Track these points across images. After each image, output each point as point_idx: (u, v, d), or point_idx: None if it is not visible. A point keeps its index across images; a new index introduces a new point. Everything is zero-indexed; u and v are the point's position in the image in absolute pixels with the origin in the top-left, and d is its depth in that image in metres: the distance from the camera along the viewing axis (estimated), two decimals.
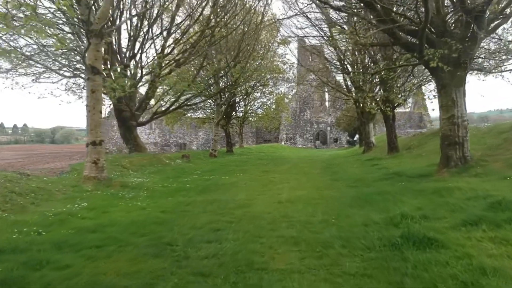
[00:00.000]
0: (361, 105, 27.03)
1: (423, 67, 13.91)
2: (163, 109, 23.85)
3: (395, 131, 18.74)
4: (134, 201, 9.04)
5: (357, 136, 47.49)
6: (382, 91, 17.33)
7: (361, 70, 17.68)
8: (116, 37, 19.60)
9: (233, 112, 36.65)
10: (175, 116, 36.02)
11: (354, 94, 26.24)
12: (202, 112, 37.86)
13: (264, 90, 37.13)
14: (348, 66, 25.33)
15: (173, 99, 21.66)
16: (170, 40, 20.78)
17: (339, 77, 31.89)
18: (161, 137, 70.28)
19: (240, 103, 38.22)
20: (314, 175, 14.52)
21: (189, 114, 37.96)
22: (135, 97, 21.77)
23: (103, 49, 12.78)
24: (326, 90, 46.19)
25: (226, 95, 29.33)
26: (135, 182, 11.81)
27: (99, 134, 11.24)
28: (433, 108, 49.36)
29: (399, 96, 17.11)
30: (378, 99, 19.45)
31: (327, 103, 63.29)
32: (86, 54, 11.27)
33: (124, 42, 20.80)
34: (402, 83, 17.64)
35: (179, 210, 7.90)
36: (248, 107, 40.03)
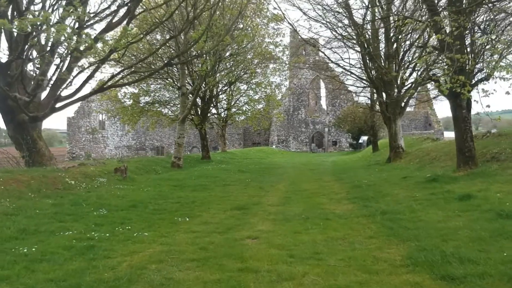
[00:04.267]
0: (383, 93, 19.00)
1: None
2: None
3: (471, 129, 10.54)
4: None
5: (362, 138, 39.26)
6: (447, 60, 8.85)
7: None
8: None
9: (211, 108, 28.17)
10: (135, 113, 27.40)
11: (374, 73, 18.29)
12: (170, 109, 29.36)
13: (251, 80, 28.81)
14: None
15: (91, 71, 12.74)
16: None
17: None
18: (135, 140, 62.12)
19: (221, 97, 29.80)
20: (350, 226, 6.23)
21: (162, 110, 29.21)
22: (46, 72, 12.95)
23: None
24: (323, 80, 38.03)
25: (195, 82, 21.10)
26: None
27: None
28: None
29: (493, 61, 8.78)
30: (438, 74, 11.29)
31: (323, 101, 55.48)
32: None
33: None
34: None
35: None
36: (233, 102, 31.56)
